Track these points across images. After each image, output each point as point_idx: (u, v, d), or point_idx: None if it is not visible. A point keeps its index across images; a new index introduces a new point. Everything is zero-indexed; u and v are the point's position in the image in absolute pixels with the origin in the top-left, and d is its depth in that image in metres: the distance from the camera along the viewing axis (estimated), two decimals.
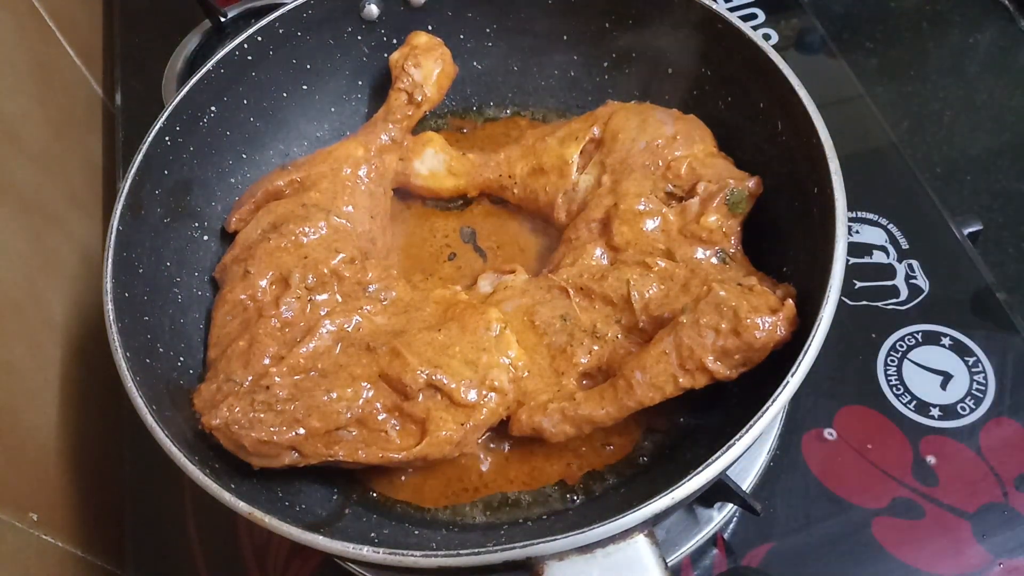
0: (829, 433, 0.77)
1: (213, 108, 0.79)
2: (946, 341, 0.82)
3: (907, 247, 0.88)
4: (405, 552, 0.52)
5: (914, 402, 0.79)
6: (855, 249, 0.88)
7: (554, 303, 0.71)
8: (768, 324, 0.60)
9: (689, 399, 0.65)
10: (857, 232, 0.89)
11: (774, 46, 0.72)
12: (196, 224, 0.78)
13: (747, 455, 0.71)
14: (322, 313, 0.70)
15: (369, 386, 0.65)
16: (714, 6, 0.76)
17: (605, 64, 0.88)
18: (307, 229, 0.74)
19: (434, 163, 0.84)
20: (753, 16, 1.11)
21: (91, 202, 0.99)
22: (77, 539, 0.75)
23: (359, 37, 0.87)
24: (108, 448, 0.84)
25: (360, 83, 0.90)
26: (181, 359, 0.71)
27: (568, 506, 0.68)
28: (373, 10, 0.85)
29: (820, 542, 0.72)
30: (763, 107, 0.74)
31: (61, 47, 1.03)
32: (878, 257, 0.88)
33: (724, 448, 0.53)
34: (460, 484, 0.70)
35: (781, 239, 0.71)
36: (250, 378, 0.66)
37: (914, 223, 0.90)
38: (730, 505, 0.73)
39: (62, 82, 1.01)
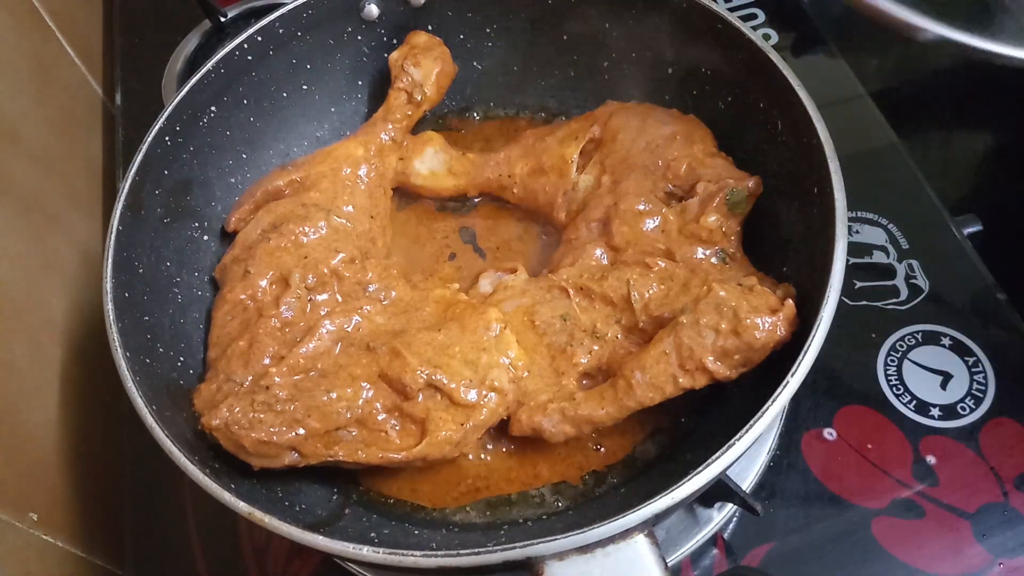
0: (829, 433, 0.77)
1: (213, 108, 0.79)
2: (946, 341, 0.82)
3: (907, 247, 0.88)
4: (405, 552, 0.52)
5: (914, 402, 0.78)
6: (855, 249, 0.88)
7: (554, 303, 0.71)
8: (768, 324, 0.60)
9: (689, 399, 0.65)
10: (857, 232, 0.89)
11: (774, 46, 0.72)
12: (196, 224, 0.78)
13: (747, 455, 0.71)
14: (322, 313, 0.70)
15: (369, 386, 0.65)
16: (714, 6, 0.76)
17: (605, 64, 0.88)
18: (307, 229, 0.74)
19: (434, 163, 0.84)
20: (753, 16, 1.11)
21: (91, 202, 0.99)
22: (77, 539, 0.75)
23: (359, 37, 0.87)
24: (108, 448, 0.84)
25: (360, 83, 0.90)
26: (181, 359, 0.71)
27: (568, 506, 0.68)
28: (373, 10, 0.85)
29: (820, 542, 0.72)
30: (763, 107, 0.74)
31: (61, 47, 1.03)
32: (878, 257, 0.88)
33: (724, 448, 0.53)
34: (460, 484, 0.70)
35: (781, 239, 0.71)
36: (250, 378, 0.66)
37: (914, 223, 0.90)
38: (730, 505, 0.73)
39: (62, 82, 1.01)
